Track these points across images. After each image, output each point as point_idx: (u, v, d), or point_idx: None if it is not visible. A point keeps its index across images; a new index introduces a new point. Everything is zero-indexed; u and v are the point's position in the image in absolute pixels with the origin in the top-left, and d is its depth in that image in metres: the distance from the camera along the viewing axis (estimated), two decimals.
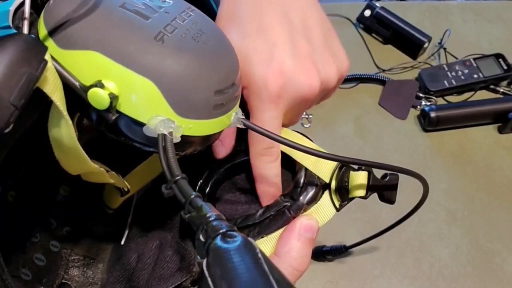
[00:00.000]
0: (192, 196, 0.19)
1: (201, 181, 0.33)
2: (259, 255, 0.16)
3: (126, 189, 0.34)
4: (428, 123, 0.73)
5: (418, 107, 0.77)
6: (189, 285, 0.29)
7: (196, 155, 0.26)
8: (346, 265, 0.62)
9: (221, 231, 0.17)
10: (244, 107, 0.29)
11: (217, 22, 0.31)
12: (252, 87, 0.28)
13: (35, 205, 0.34)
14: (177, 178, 0.20)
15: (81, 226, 0.37)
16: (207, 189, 0.32)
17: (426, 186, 0.31)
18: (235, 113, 0.25)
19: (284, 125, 0.31)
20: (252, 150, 0.30)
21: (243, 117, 0.26)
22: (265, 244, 0.28)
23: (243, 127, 0.26)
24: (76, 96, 0.22)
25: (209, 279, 0.15)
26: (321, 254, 0.60)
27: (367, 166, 0.28)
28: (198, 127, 0.23)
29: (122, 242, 0.36)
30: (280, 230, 0.28)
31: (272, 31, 0.29)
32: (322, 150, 0.28)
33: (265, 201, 0.31)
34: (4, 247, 0.29)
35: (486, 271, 0.62)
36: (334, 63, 0.31)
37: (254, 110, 0.29)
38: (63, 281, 0.35)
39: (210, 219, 0.18)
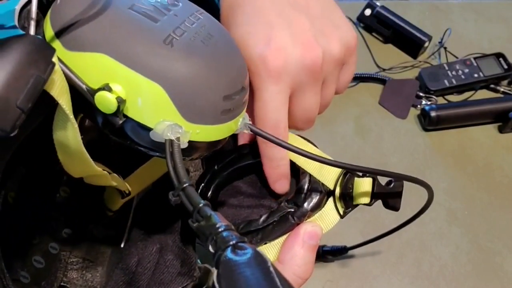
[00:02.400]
0: (200, 205, 0.19)
1: (202, 184, 0.32)
2: (271, 268, 0.15)
3: (127, 192, 0.33)
4: (428, 123, 0.73)
5: (419, 106, 0.77)
6: None
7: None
8: (346, 264, 0.62)
9: (231, 242, 0.16)
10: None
11: (221, 18, 0.30)
12: (251, 68, 0.28)
13: (35, 207, 0.34)
14: (185, 185, 0.20)
15: (80, 228, 0.36)
16: (209, 193, 0.32)
17: (431, 194, 0.31)
18: (242, 119, 0.25)
19: (302, 107, 0.30)
20: None
21: (250, 122, 0.25)
22: (268, 251, 0.28)
23: (250, 132, 0.26)
24: (82, 99, 0.21)
25: None
26: (321, 254, 0.60)
27: (372, 173, 0.28)
28: (206, 133, 0.23)
29: (122, 245, 0.35)
30: (284, 237, 0.28)
31: (266, 14, 0.28)
32: (327, 156, 0.27)
33: (273, 183, 0.30)
34: (3, 249, 0.29)
35: (486, 271, 0.62)
36: (335, 32, 0.30)
37: (256, 90, 0.28)
38: (62, 284, 0.35)
39: (220, 229, 0.17)
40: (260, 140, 0.29)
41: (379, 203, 0.29)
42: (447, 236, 0.65)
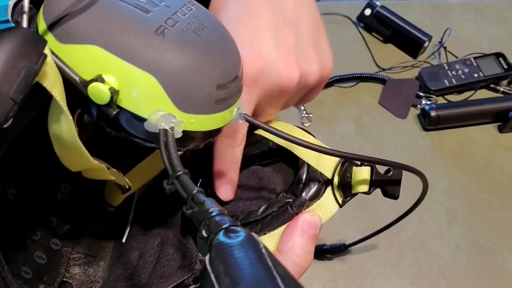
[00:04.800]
0: (194, 191, 0.19)
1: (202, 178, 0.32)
2: (263, 250, 0.15)
3: (127, 187, 0.34)
4: (428, 122, 0.73)
5: (418, 106, 0.77)
6: (191, 282, 0.28)
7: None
8: (346, 264, 0.62)
9: (223, 226, 0.17)
10: None
11: (209, 9, 0.30)
12: None
13: (36, 203, 0.34)
14: (179, 173, 0.20)
15: (82, 224, 0.37)
16: (209, 188, 0.32)
17: (425, 182, 0.31)
18: (237, 108, 0.25)
19: (259, 117, 0.30)
20: None
21: (245, 112, 0.26)
22: (268, 241, 0.28)
23: (245, 122, 0.26)
24: (76, 91, 0.21)
25: (212, 275, 0.15)
26: (321, 252, 0.60)
27: (369, 162, 0.28)
28: (200, 122, 0.23)
29: (124, 240, 0.36)
30: (283, 227, 0.28)
31: (257, 17, 0.28)
32: (325, 145, 0.27)
33: (218, 185, 0.30)
34: (5, 244, 0.29)
35: (486, 271, 0.62)
36: (317, 59, 0.30)
37: None
38: (64, 279, 0.35)
39: (213, 214, 0.17)
40: (219, 139, 0.29)
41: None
42: (447, 236, 0.65)
